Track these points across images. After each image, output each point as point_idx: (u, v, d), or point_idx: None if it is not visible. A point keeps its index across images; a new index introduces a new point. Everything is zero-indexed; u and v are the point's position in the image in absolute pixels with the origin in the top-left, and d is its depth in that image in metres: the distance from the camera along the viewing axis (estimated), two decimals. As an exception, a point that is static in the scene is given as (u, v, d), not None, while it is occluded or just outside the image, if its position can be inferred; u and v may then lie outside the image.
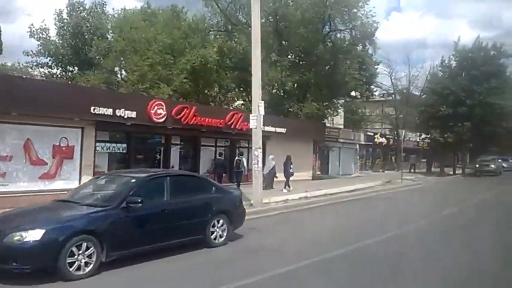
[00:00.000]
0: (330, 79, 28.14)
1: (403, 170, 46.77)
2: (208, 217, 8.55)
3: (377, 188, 23.91)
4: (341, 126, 51.74)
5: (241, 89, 29.17)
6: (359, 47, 32.45)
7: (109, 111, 15.56)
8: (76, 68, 32.24)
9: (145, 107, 16.84)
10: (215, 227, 8.70)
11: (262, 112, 15.22)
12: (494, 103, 32.63)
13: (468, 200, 18.06)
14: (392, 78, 50.58)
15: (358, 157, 43.83)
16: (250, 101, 29.81)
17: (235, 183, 19.93)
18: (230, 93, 29.33)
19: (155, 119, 17.06)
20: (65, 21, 32.60)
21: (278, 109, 28.15)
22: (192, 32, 28.72)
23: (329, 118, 34.68)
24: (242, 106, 31.36)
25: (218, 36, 29.94)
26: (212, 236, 8.63)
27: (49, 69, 32.71)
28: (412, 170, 45.21)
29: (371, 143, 44.42)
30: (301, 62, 28.55)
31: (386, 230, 10.69)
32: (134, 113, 16.30)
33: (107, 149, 16.55)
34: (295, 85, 27.21)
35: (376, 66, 35.96)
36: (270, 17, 28.03)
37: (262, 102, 15.32)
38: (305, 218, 13.36)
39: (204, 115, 19.35)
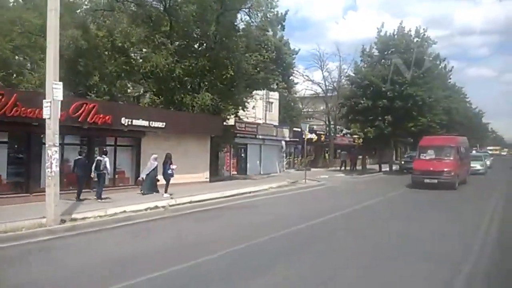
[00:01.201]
0: (230, 67, 24.66)
1: (332, 168, 44.55)
2: None
3: (270, 191, 20.81)
4: (276, 122, 49.05)
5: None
6: (269, 33, 29.39)
7: None
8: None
9: None
10: None
11: (60, 97, 11.52)
12: (415, 94, 30.06)
13: (339, 211, 14.19)
14: (324, 71, 48.10)
15: (284, 155, 40.75)
16: (157, 94, 26.52)
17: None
18: (116, 82, 25.25)
19: None
20: None
21: (169, 100, 24.52)
22: (68, 12, 24.66)
23: (243, 112, 31.12)
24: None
25: (102, 17, 25.85)
26: None
27: None
28: (343, 167, 42.40)
29: (297, 139, 41.28)
30: (194, 47, 24.78)
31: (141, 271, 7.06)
32: None
33: None
34: (188, 72, 23.56)
35: (293, 56, 32.76)
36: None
37: (60, 83, 11.61)
38: (83, 244, 9.65)
39: (31, 106, 15.36)
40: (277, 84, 31.13)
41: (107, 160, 16.71)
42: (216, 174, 29.10)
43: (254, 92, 35.65)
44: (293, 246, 9.22)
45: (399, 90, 30.56)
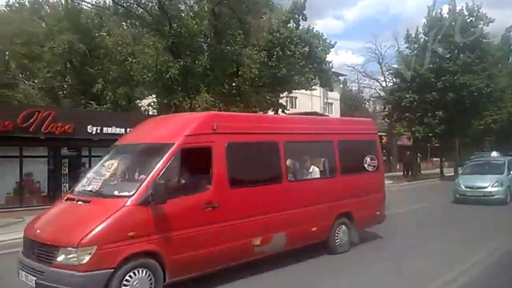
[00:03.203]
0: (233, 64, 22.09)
1: (397, 172, 39.35)
2: None
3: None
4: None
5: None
6: (292, 25, 26.18)
7: None
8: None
9: None
10: None
11: None
12: (469, 84, 24.92)
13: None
14: (382, 65, 43.53)
15: (334, 159, 36.78)
16: (167, 102, 24.51)
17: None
18: (120, 89, 23.73)
19: None
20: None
21: (166, 103, 22.43)
22: (69, 17, 23.84)
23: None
24: (150, 106, 25.78)
25: (106, 22, 24.62)
26: None
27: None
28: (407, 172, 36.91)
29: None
30: (190, 44, 22.29)
31: None
32: None
33: None
34: (186, 72, 21.32)
35: (330, 49, 28.83)
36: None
37: None
38: None
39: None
40: (308, 82, 27.48)
41: None
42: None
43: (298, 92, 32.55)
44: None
45: (451, 79, 25.59)
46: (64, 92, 24.16)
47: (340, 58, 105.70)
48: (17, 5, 27.59)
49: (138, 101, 25.34)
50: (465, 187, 16.71)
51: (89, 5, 23.89)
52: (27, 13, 26.21)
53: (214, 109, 21.39)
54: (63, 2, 24.71)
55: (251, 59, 21.55)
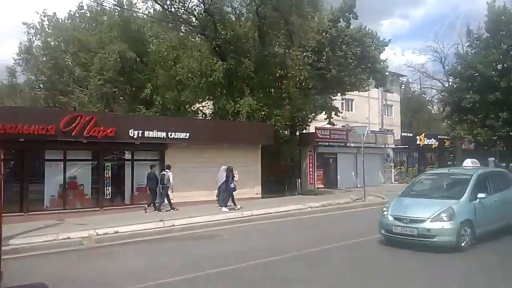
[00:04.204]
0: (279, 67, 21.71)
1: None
2: None
3: (305, 210, 17.06)
4: (397, 128, 43.71)
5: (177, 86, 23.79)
6: (342, 23, 25.31)
7: None
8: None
9: None
10: None
11: None
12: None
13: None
14: (444, 64, 41.22)
15: (391, 164, 35.35)
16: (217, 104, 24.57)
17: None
18: (168, 93, 24.01)
19: None
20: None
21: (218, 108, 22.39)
22: (120, 26, 24.49)
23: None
24: (201, 109, 25.97)
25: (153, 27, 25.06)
26: None
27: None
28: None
29: (406, 146, 35.40)
30: (233, 47, 22.04)
31: None
32: None
33: None
34: (230, 75, 21.21)
35: (384, 48, 27.58)
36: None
37: None
38: None
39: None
40: (360, 83, 26.36)
41: (170, 174, 16.41)
42: (290, 188, 25.84)
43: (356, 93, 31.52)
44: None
45: (515, 79, 23.61)
46: (115, 98, 24.80)
47: (405, 58, 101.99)
48: (77, 14, 29.08)
49: (193, 105, 25.20)
50: (394, 218, 9.72)
51: (141, 14, 24.48)
52: (86, 20, 27.24)
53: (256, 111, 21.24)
54: (118, 9, 25.49)
55: (297, 60, 20.98)
